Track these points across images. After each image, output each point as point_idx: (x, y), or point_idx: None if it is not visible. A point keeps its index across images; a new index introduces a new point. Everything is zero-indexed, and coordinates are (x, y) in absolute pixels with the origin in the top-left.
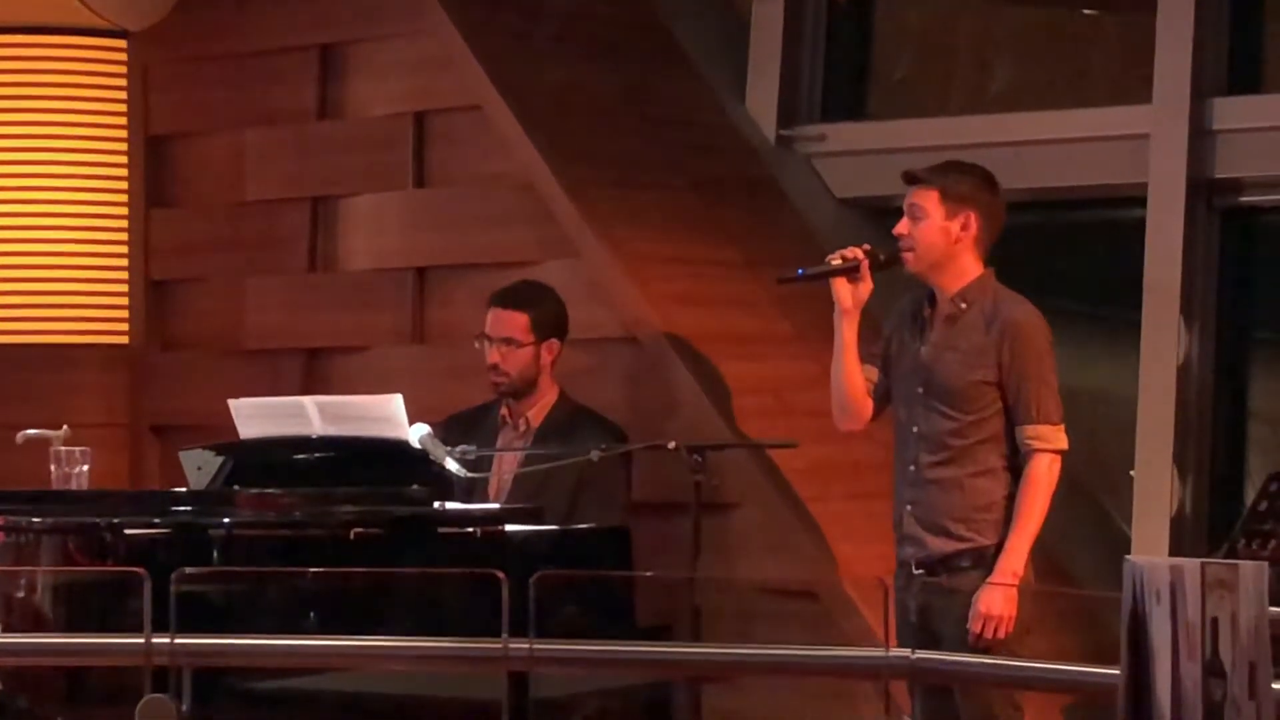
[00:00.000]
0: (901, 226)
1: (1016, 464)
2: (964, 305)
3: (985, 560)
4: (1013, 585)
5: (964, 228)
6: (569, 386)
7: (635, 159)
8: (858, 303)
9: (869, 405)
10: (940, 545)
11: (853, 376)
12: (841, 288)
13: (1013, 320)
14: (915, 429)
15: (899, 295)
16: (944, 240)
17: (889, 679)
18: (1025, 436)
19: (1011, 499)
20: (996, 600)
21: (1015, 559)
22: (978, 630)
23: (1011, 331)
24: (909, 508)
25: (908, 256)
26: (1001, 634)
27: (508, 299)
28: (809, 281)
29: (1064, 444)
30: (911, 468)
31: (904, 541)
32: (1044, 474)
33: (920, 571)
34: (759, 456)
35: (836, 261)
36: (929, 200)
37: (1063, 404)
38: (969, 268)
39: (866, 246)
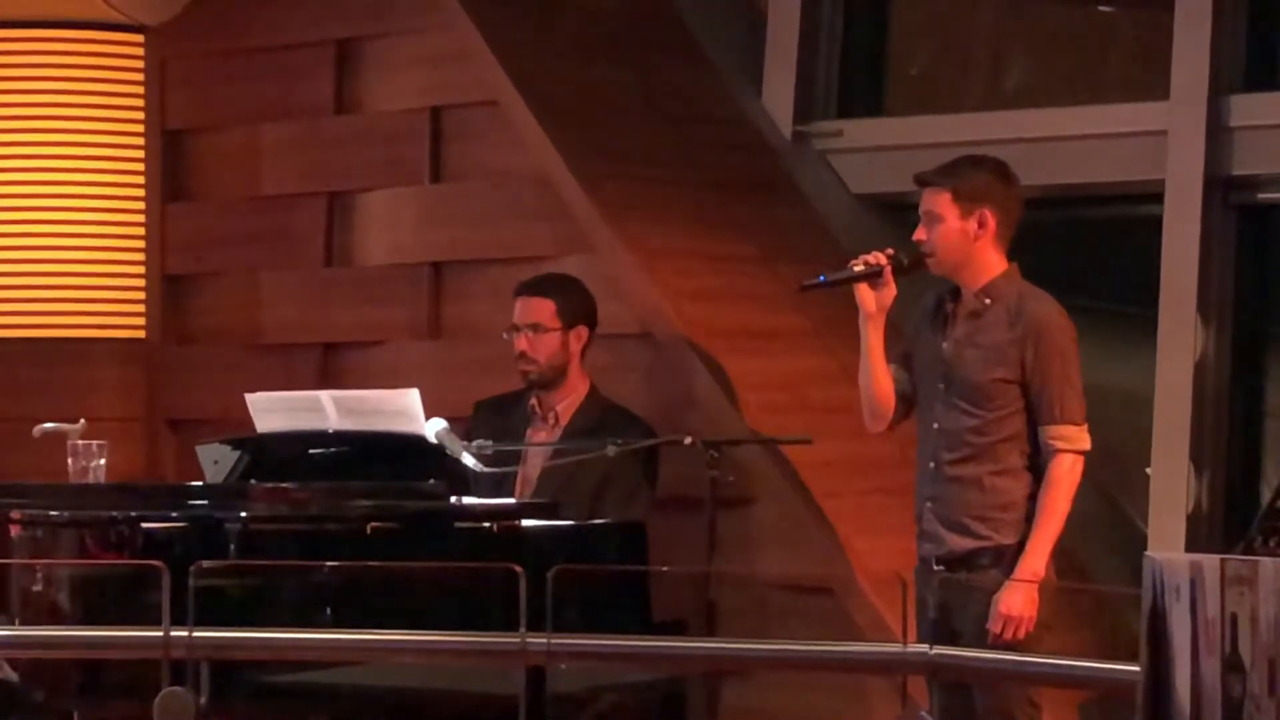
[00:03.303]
0: (919, 233)
1: (1038, 463)
2: (988, 301)
3: (1005, 559)
4: (1033, 585)
5: (981, 225)
6: None
7: (651, 154)
8: (881, 307)
9: (900, 408)
10: (959, 543)
11: (880, 381)
12: (865, 293)
13: (1037, 319)
14: (936, 425)
15: (923, 291)
16: (962, 241)
17: (907, 674)
18: (1048, 436)
19: (1032, 499)
20: (1017, 600)
21: (1036, 559)
22: (997, 630)
23: (1035, 330)
24: (929, 504)
25: (929, 261)
26: (1021, 634)
27: (533, 287)
28: (831, 288)
29: (1087, 444)
30: (932, 464)
31: (924, 538)
32: (1066, 474)
33: (940, 568)
34: (775, 452)
35: (859, 267)
36: (941, 203)
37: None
38: (992, 263)
39: (890, 251)
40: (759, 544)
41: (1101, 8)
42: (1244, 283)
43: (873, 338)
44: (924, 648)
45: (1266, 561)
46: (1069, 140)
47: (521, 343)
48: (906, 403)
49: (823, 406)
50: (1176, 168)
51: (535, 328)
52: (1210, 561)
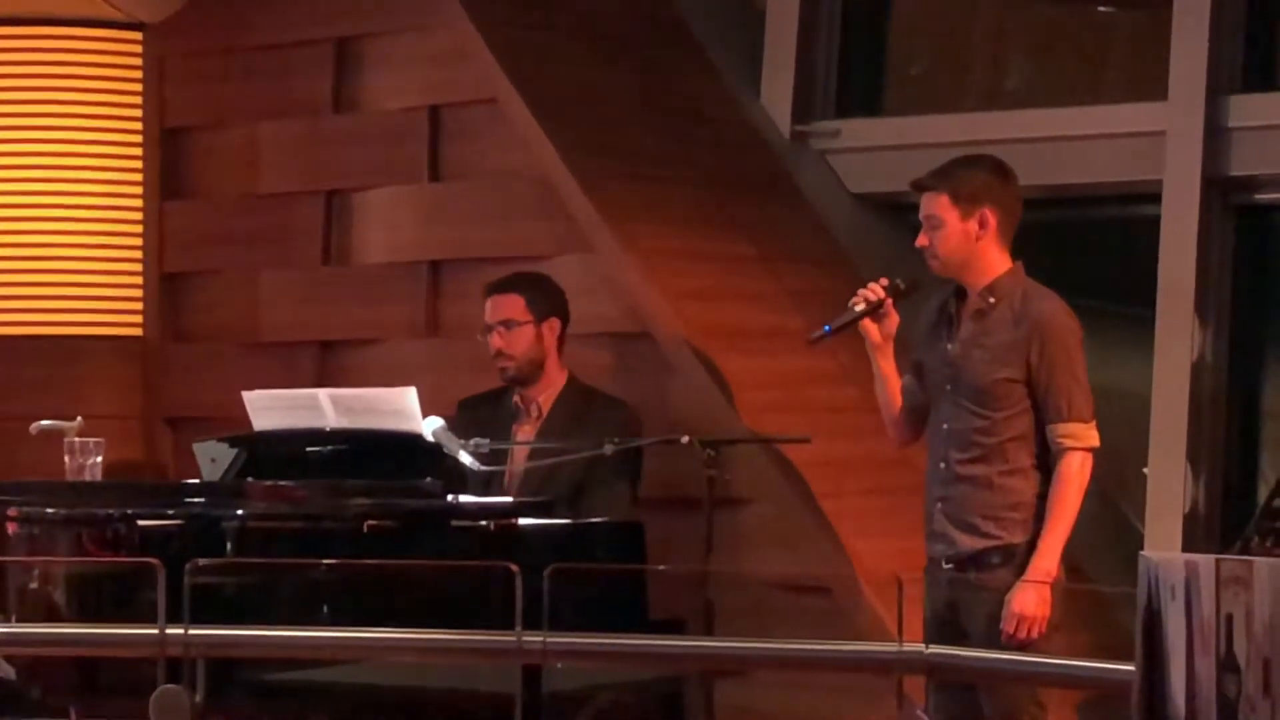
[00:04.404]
0: (921, 239)
1: (1047, 462)
2: (992, 300)
3: (1015, 558)
4: (1046, 585)
5: (982, 225)
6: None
7: (650, 154)
8: (887, 336)
9: (918, 420)
10: (970, 543)
11: (897, 403)
12: (869, 327)
13: (1042, 318)
14: (945, 426)
15: (929, 294)
16: (965, 242)
17: (903, 674)
18: (1057, 435)
19: (1042, 498)
20: (1030, 600)
21: (1048, 558)
22: (1010, 630)
23: (1041, 329)
24: (939, 505)
25: (933, 264)
26: (1035, 634)
27: (500, 284)
28: (838, 334)
29: (1096, 441)
30: (942, 465)
31: (934, 538)
32: (1076, 472)
33: (949, 566)
34: (772, 452)
35: (860, 305)
36: (941, 206)
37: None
38: (996, 262)
39: (884, 281)
40: (757, 543)
41: (1100, 8)
42: (1242, 283)
43: (884, 366)
44: (919, 647)
45: (1262, 562)
46: (1067, 140)
47: (496, 341)
48: (925, 414)
49: (821, 406)
50: (1174, 168)
51: (507, 324)
52: (1206, 561)
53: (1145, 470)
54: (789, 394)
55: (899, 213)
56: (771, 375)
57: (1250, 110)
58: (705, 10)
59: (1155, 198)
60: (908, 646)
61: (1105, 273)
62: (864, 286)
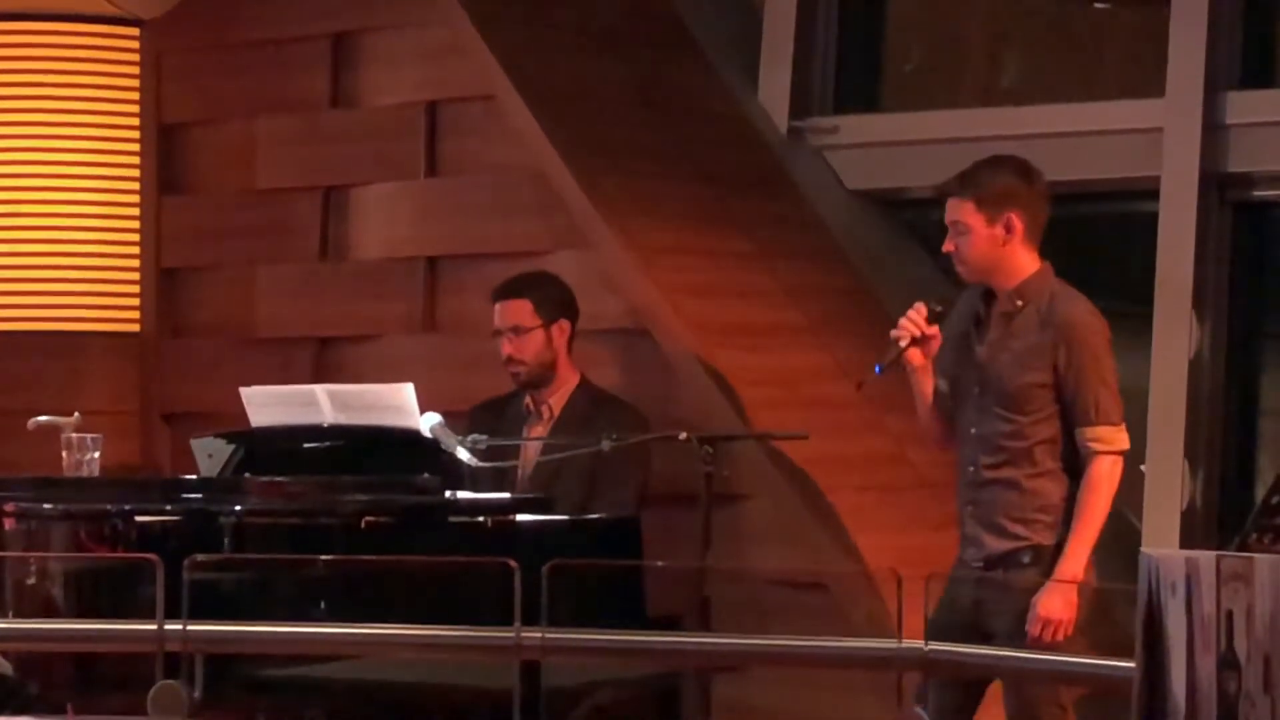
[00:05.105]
0: (947, 245)
1: (1075, 465)
2: (1020, 303)
3: (1044, 558)
4: (1072, 587)
5: (1009, 229)
6: None
7: (647, 150)
8: (929, 356)
9: (953, 426)
10: (999, 544)
11: (935, 415)
12: (912, 352)
13: (1069, 321)
14: (973, 430)
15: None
16: (991, 247)
17: (901, 670)
18: (1086, 439)
19: (1070, 500)
20: (1056, 604)
21: (1075, 562)
22: (1036, 633)
23: (1067, 332)
24: (969, 509)
25: (960, 270)
26: (1060, 637)
27: (507, 290)
28: (890, 370)
29: (1125, 444)
30: (971, 468)
31: (966, 542)
32: (1105, 476)
33: (979, 565)
34: (770, 448)
35: (904, 340)
36: (966, 212)
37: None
38: (1024, 264)
39: (923, 309)
40: (754, 539)
41: (1097, 4)
42: (1239, 280)
43: (924, 386)
44: (919, 644)
45: (1262, 558)
46: (1065, 137)
47: (506, 347)
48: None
49: (818, 402)
50: (1172, 164)
51: (516, 330)
52: (1206, 558)
53: (1143, 467)
54: (786, 390)
55: (896, 209)
56: (768, 371)
57: (1248, 106)
58: (703, 6)
59: (1153, 194)
60: (907, 643)
61: (1102, 269)
62: (903, 315)
